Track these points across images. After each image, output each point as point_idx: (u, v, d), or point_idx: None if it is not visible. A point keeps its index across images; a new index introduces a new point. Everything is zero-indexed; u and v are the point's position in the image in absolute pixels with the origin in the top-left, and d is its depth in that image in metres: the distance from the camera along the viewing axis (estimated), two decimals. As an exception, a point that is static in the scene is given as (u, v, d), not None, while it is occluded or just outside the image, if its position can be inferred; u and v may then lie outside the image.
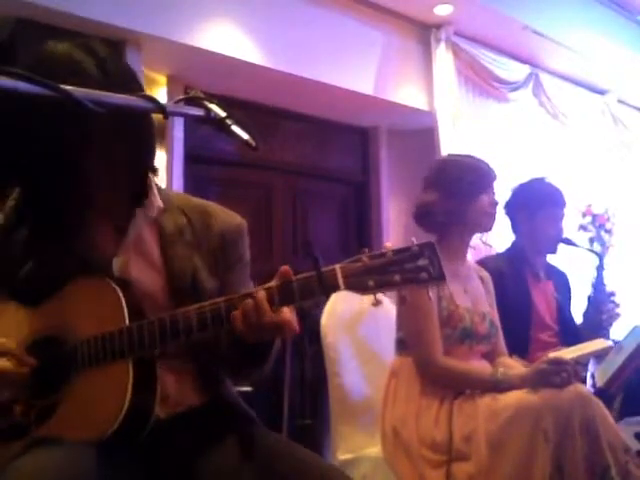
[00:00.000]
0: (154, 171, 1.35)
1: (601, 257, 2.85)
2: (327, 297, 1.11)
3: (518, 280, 2.54)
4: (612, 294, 2.74)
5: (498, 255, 2.77)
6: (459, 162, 2.14)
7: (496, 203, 2.12)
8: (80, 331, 1.21)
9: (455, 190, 2.05)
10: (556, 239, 2.62)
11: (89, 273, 1.25)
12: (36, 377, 1.21)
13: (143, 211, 1.31)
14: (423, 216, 2.11)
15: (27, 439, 1.16)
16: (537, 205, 2.59)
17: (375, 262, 1.08)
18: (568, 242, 2.67)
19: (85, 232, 1.29)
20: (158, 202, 1.33)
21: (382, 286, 1.07)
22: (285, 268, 1.13)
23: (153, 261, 1.30)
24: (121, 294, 1.20)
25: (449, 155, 2.41)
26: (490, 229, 2.16)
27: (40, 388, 1.21)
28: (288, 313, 1.12)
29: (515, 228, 2.69)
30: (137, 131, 1.26)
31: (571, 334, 2.55)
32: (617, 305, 2.71)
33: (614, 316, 2.68)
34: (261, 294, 1.11)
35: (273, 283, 1.12)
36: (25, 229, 1.30)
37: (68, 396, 1.18)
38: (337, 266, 1.09)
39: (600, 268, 2.78)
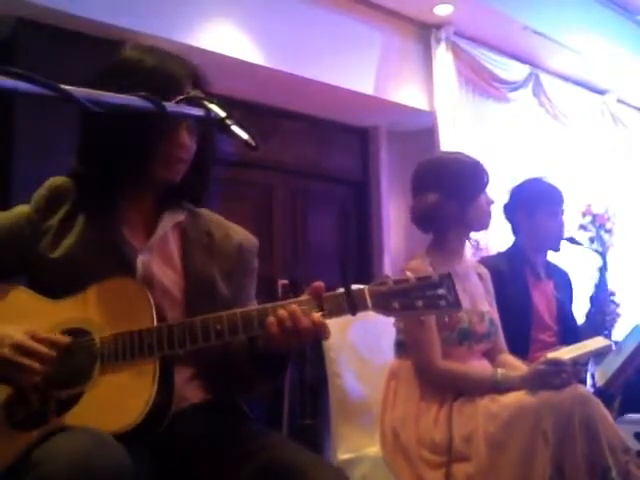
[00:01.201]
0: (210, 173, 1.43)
1: (604, 257, 2.85)
2: (354, 315, 1.19)
3: (518, 279, 2.53)
4: (612, 294, 2.74)
5: (498, 255, 2.77)
6: (457, 163, 2.13)
7: (492, 202, 2.11)
8: (107, 328, 1.23)
9: (457, 191, 2.04)
10: (558, 236, 2.61)
11: (115, 268, 1.28)
12: (59, 367, 1.21)
13: (171, 213, 1.37)
14: (423, 219, 2.10)
15: (46, 428, 1.17)
16: (535, 203, 2.58)
17: (399, 287, 1.19)
18: (572, 241, 2.66)
19: (117, 226, 1.34)
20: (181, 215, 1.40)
21: (405, 309, 1.18)
22: (318, 284, 1.20)
23: (174, 263, 1.36)
24: (151, 296, 1.24)
25: (441, 155, 2.33)
26: (488, 227, 2.16)
27: (62, 379, 1.21)
28: (320, 317, 1.18)
29: (515, 229, 2.68)
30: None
31: (571, 334, 2.54)
32: (617, 305, 2.71)
33: (614, 316, 2.68)
34: (294, 305, 1.18)
35: (304, 297, 1.20)
36: (55, 220, 1.33)
37: (91, 389, 1.20)
38: (365, 287, 1.19)
39: (603, 269, 2.78)
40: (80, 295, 1.28)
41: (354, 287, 1.19)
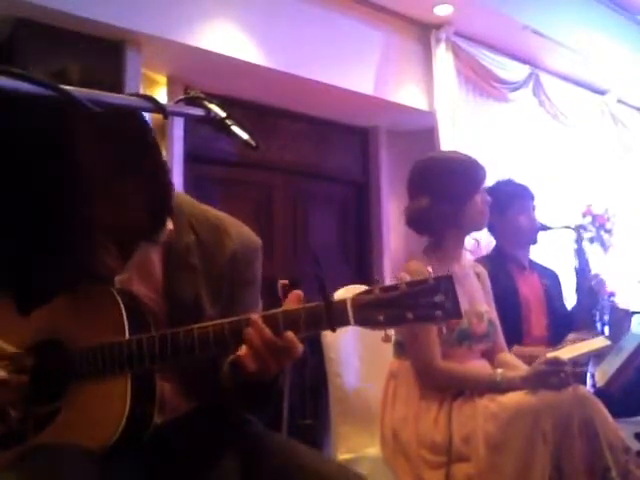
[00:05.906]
0: (169, 211, 1.26)
1: (578, 231, 2.92)
2: (333, 331, 1.06)
3: (504, 277, 2.58)
4: (612, 294, 2.77)
5: (483, 257, 2.80)
6: (449, 163, 2.11)
7: (488, 201, 2.10)
8: (80, 339, 1.20)
9: (448, 193, 2.02)
10: (532, 229, 2.69)
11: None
12: (34, 384, 1.20)
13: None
14: (417, 222, 2.08)
15: (24, 446, 1.16)
16: (505, 202, 2.64)
17: (388, 295, 1.03)
18: (543, 228, 2.73)
19: (90, 248, 1.25)
20: (169, 225, 1.28)
21: (393, 322, 1.03)
22: (297, 294, 1.11)
23: (156, 284, 1.28)
24: (122, 305, 1.18)
25: (434, 155, 2.31)
26: (483, 227, 2.18)
27: (38, 395, 1.20)
28: (292, 336, 1.08)
29: (491, 229, 2.73)
30: (148, 170, 1.20)
31: (562, 322, 2.61)
32: (616, 305, 2.74)
33: (601, 282, 2.73)
34: (262, 324, 1.09)
35: (280, 310, 1.10)
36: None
37: (68, 405, 1.18)
38: (348, 298, 1.05)
39: (579, 242, 2.84)
40: (50, 305, 1.23)
41: (337, 297, 1.05)
